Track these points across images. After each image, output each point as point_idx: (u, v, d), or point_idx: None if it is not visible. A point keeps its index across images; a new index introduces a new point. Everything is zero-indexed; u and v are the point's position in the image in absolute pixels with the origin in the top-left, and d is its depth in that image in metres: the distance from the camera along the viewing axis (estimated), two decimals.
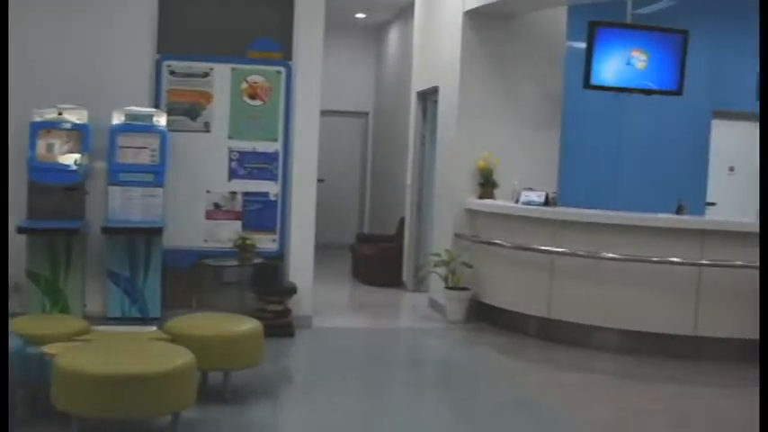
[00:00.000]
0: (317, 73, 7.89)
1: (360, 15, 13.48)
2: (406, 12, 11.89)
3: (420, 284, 9.88)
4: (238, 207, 7.82)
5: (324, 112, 8.19)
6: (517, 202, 8.08)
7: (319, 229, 8.20)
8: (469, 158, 8.63)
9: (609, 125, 9.94)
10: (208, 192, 7.78)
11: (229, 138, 7.80)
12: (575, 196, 8.70)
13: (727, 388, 6.68)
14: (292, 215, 7.86)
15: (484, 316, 8.44)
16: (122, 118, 7.17)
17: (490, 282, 8.37)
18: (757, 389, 6.58)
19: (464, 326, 8.35)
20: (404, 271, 10.45)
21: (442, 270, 8.59)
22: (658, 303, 7.31)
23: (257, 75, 7.83)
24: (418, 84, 10.28)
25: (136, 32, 7.51)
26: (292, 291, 7.66)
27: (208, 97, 7.76)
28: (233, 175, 7.82)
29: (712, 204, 10.25)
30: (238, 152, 7.81)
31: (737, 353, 7.25)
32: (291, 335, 7.50)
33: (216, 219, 7.79)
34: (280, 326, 7.37)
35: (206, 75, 7.75)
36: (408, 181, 10.44)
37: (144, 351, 4.79)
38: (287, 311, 7.57)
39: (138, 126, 7.16)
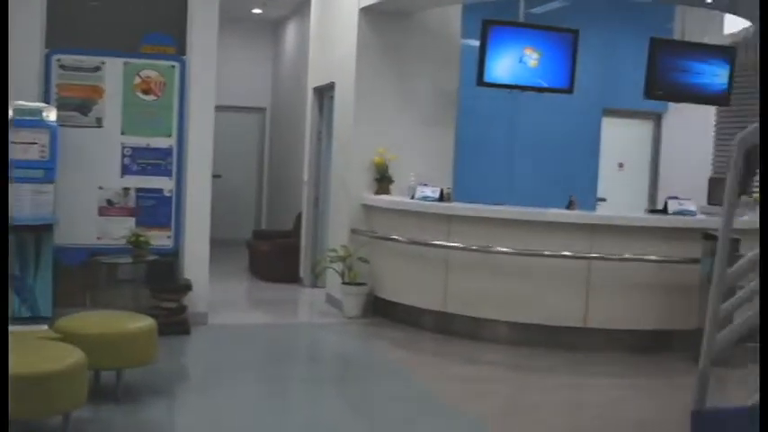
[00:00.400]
0: (212, 68, 7.83)
1: (257, 11, 13.39)
2: (302, 7, 11.86)
3: (317, 280, 9.88)
4: (132, 203, 7.70)
5: (220, 108, 8.12)
6: (413, 197, 8.16)
7: (216, 225, 8.13)
8: (365, 154, 8.67)
9: (503, 122, 10.12)
10: (100, 188, 7.63)
11: (122, 133, 7.66)
12: (470, 192, 8.83)
13: (617, 378, 6.89)
14: (187, 211, 7.77)
15: (381, 311, 8.50)
16: (11, 113, 6.97)
17: (386, 277, 8.43)
18: (646, 379, 6.88)
19: (361, 321, 8.40)
20: (301, 267, 10.44)
21: (338, 266, 8.62)
22: (550, 296, 7.48)
23: (150, 69, 7.71)
24: (315, 79, 10.27)
25: (24, 25, 7.29)
26: (187, 288, 7.58)
27: (99, 92, 7.60)
28: (126, 170, 7.68)
29: (603, 200, 10.54)
30: (131, 148, 7.68)
31: (626, 344, 7.48)
32: (187, 332, 7.42)
33: (109, 215, 7.65)
34: (175, 323, 7.29)
35: (97, 69, 7.60)
36: (305, 177, 10.43)
37: (33, 350, 4.69)
38: (182, 308, 7.49)
39: (27, 121, 6.96)
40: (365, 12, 8.66)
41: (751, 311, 4.95)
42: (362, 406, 5.88)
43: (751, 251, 5.07)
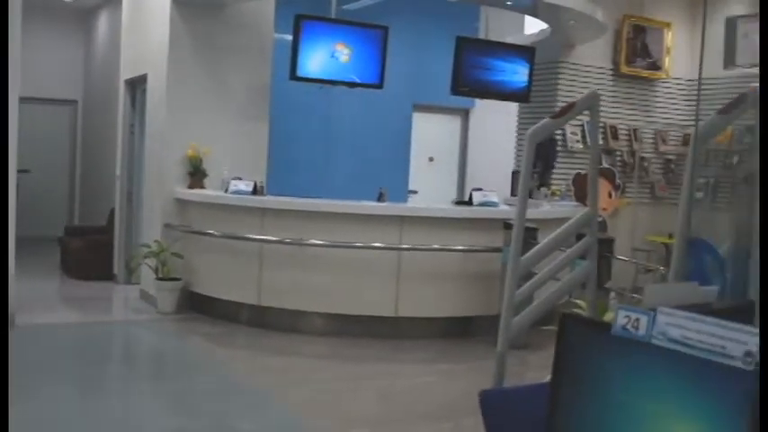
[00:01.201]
0: (16, 58, 7.53)
1: None
2: None
3: (131, 277, 9.70)
4: None
5: (26, 99, 7.85)
6: (226, 191, 8.16)
7: (24, 221, 7.87)
8: (179, 148, 8.57)
9: (317, 116, 10.25)
10: None
11: None
12: (284, 185, 8.93)
13: (426, 364, 7.15)
14: None
15: (196, 306, 8.44)
16: None
17: (201, 271, 8.39)
18: (452, 364, 7.17)
19: (176, 317, 8.31)
20: (115, 263, 10.22)
21: (152, 261, 8.51)
22: (362, 287, 7.67)
23: None
24: (127, 71, 10.07)
25: None
26: None
27: None
28: None
29: (414, 192, 10.86)
30: None
31: (435, 331, 7.77)
32: None
33: None
34: None
35: None
36: (118, 171, 10.22)
37: None
38: None
39: None
40: (177, 3, 8.57)
41: (544, 296, 5.28)
42: (177, 402, 5.85)
43: (546, 239, 5.40)
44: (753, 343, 1.45)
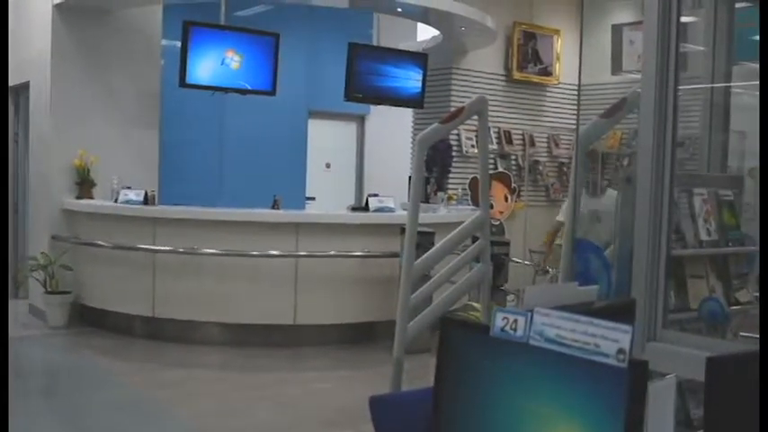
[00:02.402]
0: None
1: None
2: None
3: (18, 291, 9.39)
4: None
5: None
6: (116, 201, 7.97)
7: None
8: (65, 157, 8.31)
9: (210, 124, 10.10)
10: None
11: None
12: (177, 194, 8.76)
13: (324, 371, 7.12)
14: None
15: (88, 319, 8.22)
16: None
17: (93, 284, 8.18)
18: (351, 370, 7.15)
19: (67, 331, 8.08)
20: None
21: (40, 274, 8.24)
22: (259, 295, 7.58)
23: None
24: (9, 78, 9.72)
25: None
26: None
27: None
28: None
29: (312, 199, 10.81)
30: None
31: (335, 338, 7.73)
32: None
33: None
34: None
35: None
36: None
37: None
38: None
39: None
40: (60, 8, 8.32)
41: (439, 299, 5.29)
42: (72, 420, 5.67)
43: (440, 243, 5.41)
44: (625, 341, 1.45)
